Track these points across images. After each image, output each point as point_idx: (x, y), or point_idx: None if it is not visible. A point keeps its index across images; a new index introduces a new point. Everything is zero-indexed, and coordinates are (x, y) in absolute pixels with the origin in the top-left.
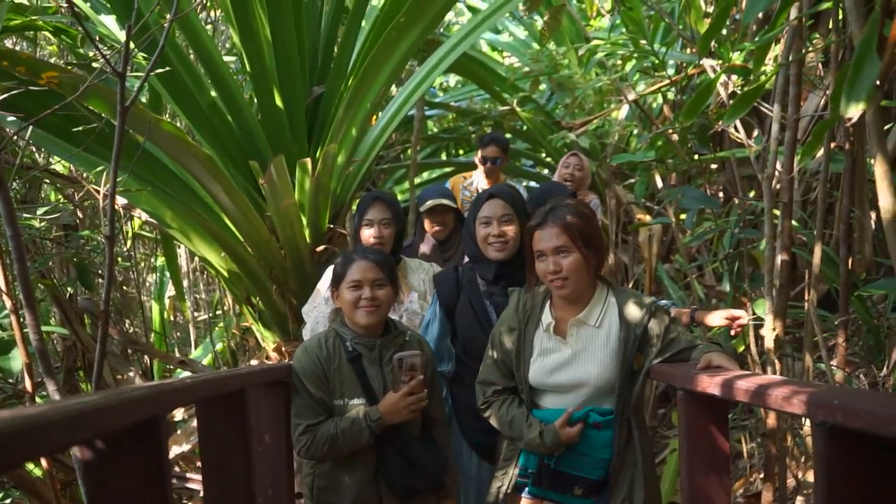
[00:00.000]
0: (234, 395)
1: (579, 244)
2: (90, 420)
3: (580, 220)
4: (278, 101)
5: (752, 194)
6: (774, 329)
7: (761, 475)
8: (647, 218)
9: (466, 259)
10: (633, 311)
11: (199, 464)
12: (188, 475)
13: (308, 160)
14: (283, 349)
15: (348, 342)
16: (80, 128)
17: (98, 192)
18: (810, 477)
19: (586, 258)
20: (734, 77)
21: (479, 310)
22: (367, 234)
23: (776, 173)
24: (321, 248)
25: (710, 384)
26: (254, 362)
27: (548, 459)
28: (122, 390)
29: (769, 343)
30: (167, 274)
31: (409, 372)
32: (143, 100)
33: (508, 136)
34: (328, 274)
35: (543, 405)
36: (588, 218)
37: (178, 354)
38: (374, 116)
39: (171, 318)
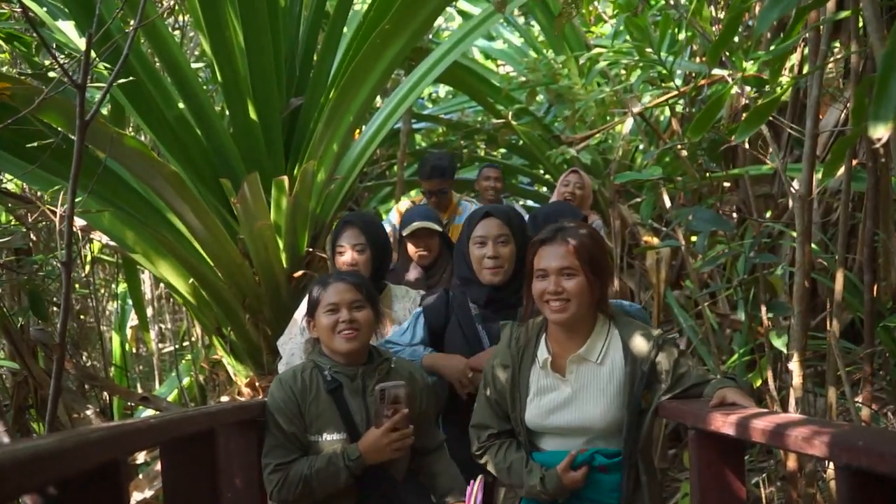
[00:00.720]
0: (203, 436)
1: (586, 268)
2: (44, 465)
3: (591, 244)
4: (252, 114)
5: (768, 215)
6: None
7: None
8: (655, 240)
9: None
10: (639, 345)
11: None
12: None
13: (285, 178)
14: (257, 384)
15: (326, 371)
16: (35, 143)
17: (54, 213)
18: None
19: (591, 284)
20: (747, 88)
21: (470, 335)
22: (342, 262)
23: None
24: (299, 273)
25: (723, 423)
26: (224, 399)
27: None
28: (78, 431)
29: (797, 380)
30: (129, 302)
31: (393, 405)
32: (104, 112)
33: (503, 150)
34: (306, 302)
35: (544, 447)
36: (599, 244)
37: (140, 390)
38: (358, 130)
39: (134, 351)
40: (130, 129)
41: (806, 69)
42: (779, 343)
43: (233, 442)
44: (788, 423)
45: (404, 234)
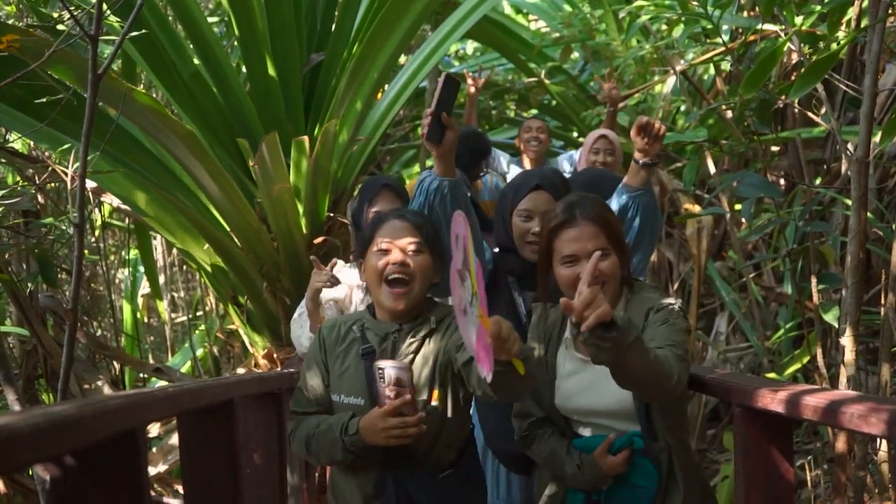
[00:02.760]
0: (221, 408)
1: (616, 246)
2: (62, 432)
3: (612, 216)
4: (271, 71)
5: (818, 181)
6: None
7: None
8: (697, 208)
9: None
10: (634, 316)
11: (177, 487)
12: (165, 500)
13: (305, 138)
14: (275, 356)
15: (356, 326)
16: (44, 99)
17: (65, 173)
18: None
19: (621, 261)
20: (800, 45)
21: (505, 299)
22: None
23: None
24: (319, 239)
25: (772, 400)
26: (240, 371)
27: (595, 495)
28: (97, 399)
29: (849, 356)
30: (140, 269)
31: (394, 387)
32: (115, 68)
33: (535, 111)
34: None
35: (583, 433)
36: (615, 215)
37: (152, 361)
38: (381, 89)
39: (145, 320)
40: (142, 86)
41: (864, 22)
42: (830, 317)
43: (252, 415)
44: (843, 399)
45: None
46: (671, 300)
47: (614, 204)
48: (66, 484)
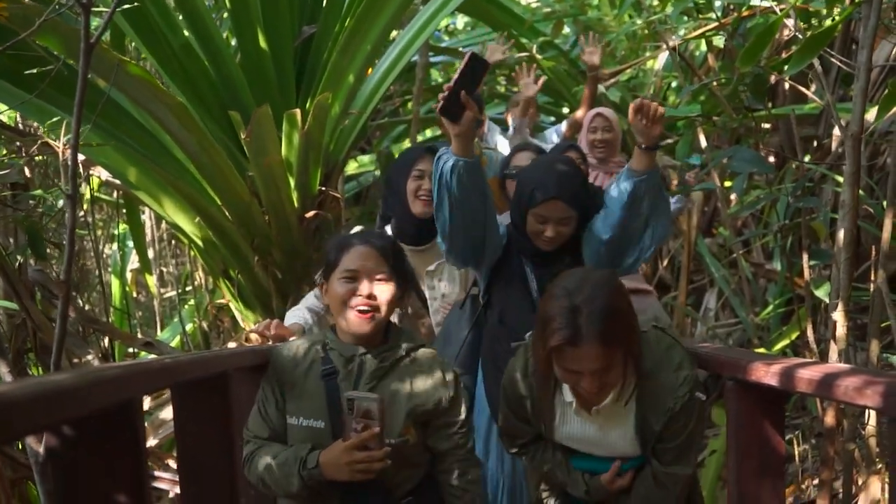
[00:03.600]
0: (215, 380)
1: (621, 355)
2: (54, 403)
3: (622, 319)
4: (262, 43)
5: (807, 158)
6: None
7: (815, 481)
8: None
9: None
10: (657, 402)
11: (169, 461)
12: (157, 473)
13: (297, 111)
14: None
15: (318, 346)
16: (35, 70)
17: (55, 145)
18: (874, 484)
19: (627, 368)
20: (792, 21)
21: (518, 275)
22: (415, 186)
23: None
24: (311, 213)
25: (765, 373)
26: (231, 345)
27: None
28: (94, 369)
29: (841, 330)
30: (129, 243)
31: (363, 419)
32: (105, 40)
33: None
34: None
35: (581, 450)
36: (626, 311)
37: (141, 336)
38: (373, 63)
39: (134, 294)
40: (131, 58)
41: None
42: (821, 292)
43: (245, 388)
44: (837, 372)
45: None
46: (690, 378)
47: (615, 190)
48: (61, 454)
